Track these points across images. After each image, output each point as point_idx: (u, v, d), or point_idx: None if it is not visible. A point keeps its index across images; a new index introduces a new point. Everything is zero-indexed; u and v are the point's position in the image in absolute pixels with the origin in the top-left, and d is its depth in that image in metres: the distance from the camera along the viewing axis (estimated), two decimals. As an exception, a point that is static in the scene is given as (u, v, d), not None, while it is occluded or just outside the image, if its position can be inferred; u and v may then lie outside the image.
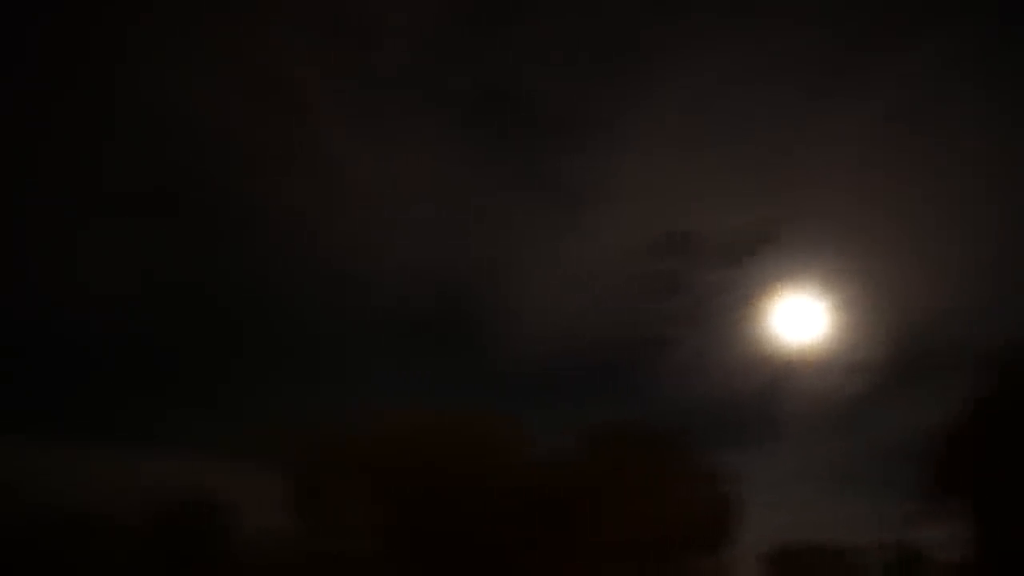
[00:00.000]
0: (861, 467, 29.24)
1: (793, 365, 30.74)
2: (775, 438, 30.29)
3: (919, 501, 25.20)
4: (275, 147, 31.53)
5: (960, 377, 25.99)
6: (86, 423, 25.45)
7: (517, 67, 32.85)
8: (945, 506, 24.35)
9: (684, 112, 33.34)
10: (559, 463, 23.56)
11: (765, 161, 33.57)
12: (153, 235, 30.10)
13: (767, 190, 33.19)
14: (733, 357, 30.40)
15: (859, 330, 31.22)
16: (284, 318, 30.07)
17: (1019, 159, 31.25)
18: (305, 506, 23.20)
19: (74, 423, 25.36)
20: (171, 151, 30.82)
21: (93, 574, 21.96)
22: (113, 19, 28.61)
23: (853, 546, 26.31)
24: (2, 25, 27.44)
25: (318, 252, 31.10)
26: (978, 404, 24.85)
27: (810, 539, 26.47)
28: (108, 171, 30.02)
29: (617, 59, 32.40)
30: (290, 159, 31.51)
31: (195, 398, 27.42)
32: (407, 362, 29.72)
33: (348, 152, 32.22)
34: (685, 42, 32.04)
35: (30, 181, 28.70)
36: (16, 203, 28.15)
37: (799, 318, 31.66)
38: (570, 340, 31.03)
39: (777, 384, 30.36)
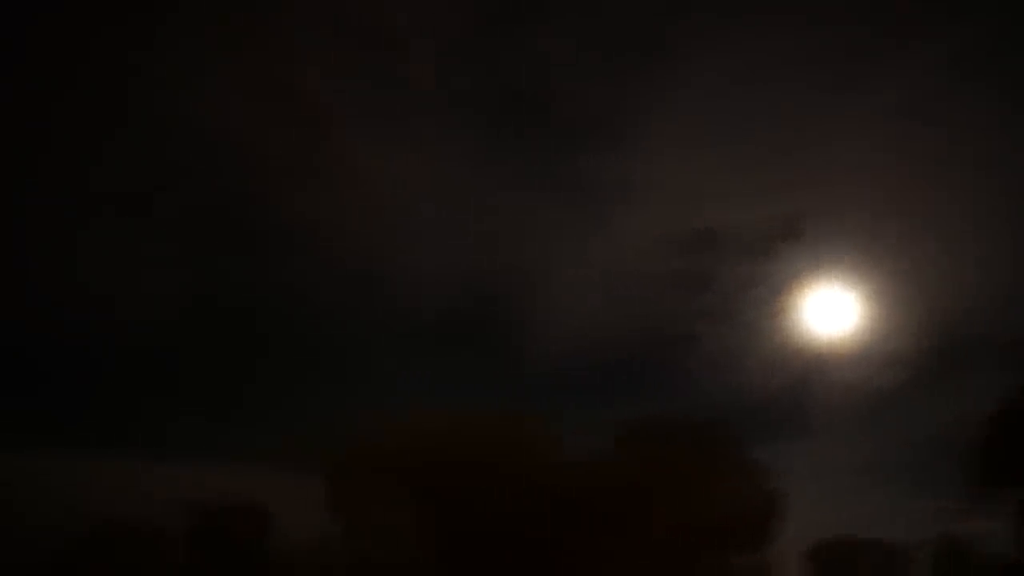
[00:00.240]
0: (898, 461, 28.68)
1: (825, 358, 30.30)
2: (809, 433, 29.81)
3: (963, 495, 24.66)
4: (293, 152, 31.58)
5: (995, 367, 25.54)
6: (120, 433, 25.48)
7: (535, 68, 32.74)
8: (992, 500, 23.81)
9: (704, 109, 33.11)
10: (597, 461, 23.26)
11: (788, 155, 33.23)
12: (188, 249, 30.24)
13: (790, 184, 32.81)
14: (764, 352, 29.96)
15: (890, 321, 30.74)
16: (311, 324, 29.99)
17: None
18: (341, 510, 23.03)
19: (107, 433, 25.40)
20: (190, 159, 30.87)
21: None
22: (126, 22, 28.76)
23: (897, 542, 25.73)
24: (5, 26, 27.53)
25: (342, 258, 31.04)
26: (1020, 394, 24.36)
27: (852, 535, 25.93)
28: (124, 177, 30.07)
29: (635, 57, 32.22)
30: (309, 164, 31.52)
31: (227, 405, 27.35)
32: (435, 365, 29.51)
33: (367, 155, 32.17)
34: (703, 39, 31.84)
35: (45, 190, 28.85)
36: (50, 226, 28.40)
37: (829, 311, 31.26)
38: (598, 340, 30.70)
39: (809, 378, 29.91)
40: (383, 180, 31.69)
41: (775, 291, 30.80)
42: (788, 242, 31.51)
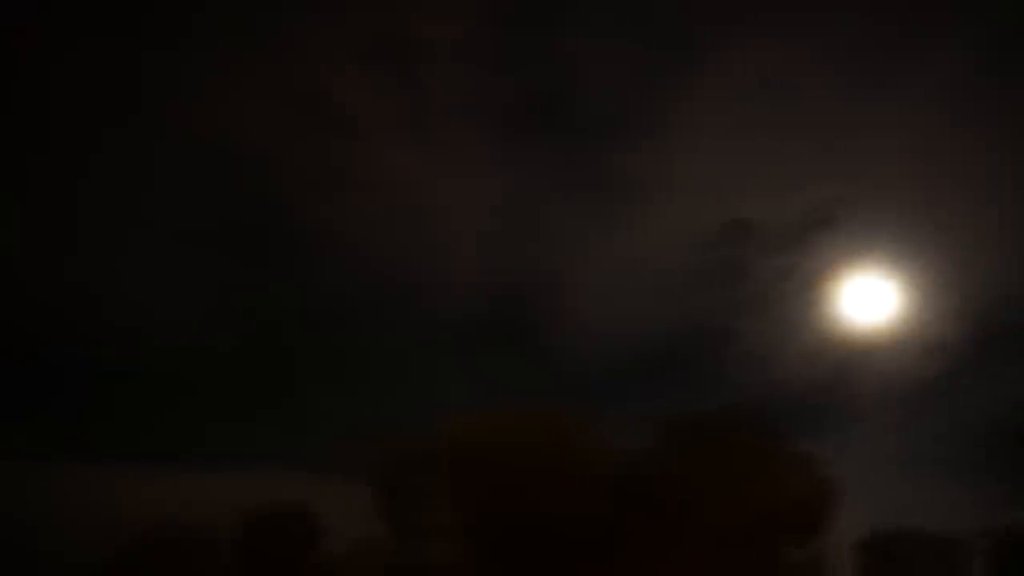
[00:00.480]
0: (945, 450, 28.23)
1: (865, 347, 29.99)
2: (853, 423, 29.47)
3: (1010, 483, 24.19)
4: (328, 165, 31.90)
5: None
6: (167, 441, 25.76)
7: (563, 68, 32.92)
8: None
9: (734, 101, 33.12)
10: (646, 454, 23.08)
11: (818, 145, 33.11)
12: (232, 261, 30.64)
13: (822, 174, 32.69)
14: (803, 342, 29.74)
15: (930, 309, 30.39)
16: (352, 331, 30.22)
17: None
18: (390, 513, 23.01)
19: (155, 442, 25.68)
20: (223, 170, 31.25)
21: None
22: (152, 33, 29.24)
23: (952, 532, 25.22)
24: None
25: (379, 267, 31.28)
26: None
27: (905, 526, 25.45)
28: (159, 189, 30.52)
29: (664, 51, 32.29)
30: (344, 176, 31.82)
31: (271, 413, 27.59)
32: (475, 367, 29.56)
33: (397, 163, 32.41)
34: (732, 30, 31.88)
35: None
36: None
37: (867, 299, 30.94)
38: (636, 335, 30.65)
39: (850, 367, 29.61)
40: (414, 186, 31.94)
41: (812, 281, 30.62)
42: (823, 232, 31.33)
